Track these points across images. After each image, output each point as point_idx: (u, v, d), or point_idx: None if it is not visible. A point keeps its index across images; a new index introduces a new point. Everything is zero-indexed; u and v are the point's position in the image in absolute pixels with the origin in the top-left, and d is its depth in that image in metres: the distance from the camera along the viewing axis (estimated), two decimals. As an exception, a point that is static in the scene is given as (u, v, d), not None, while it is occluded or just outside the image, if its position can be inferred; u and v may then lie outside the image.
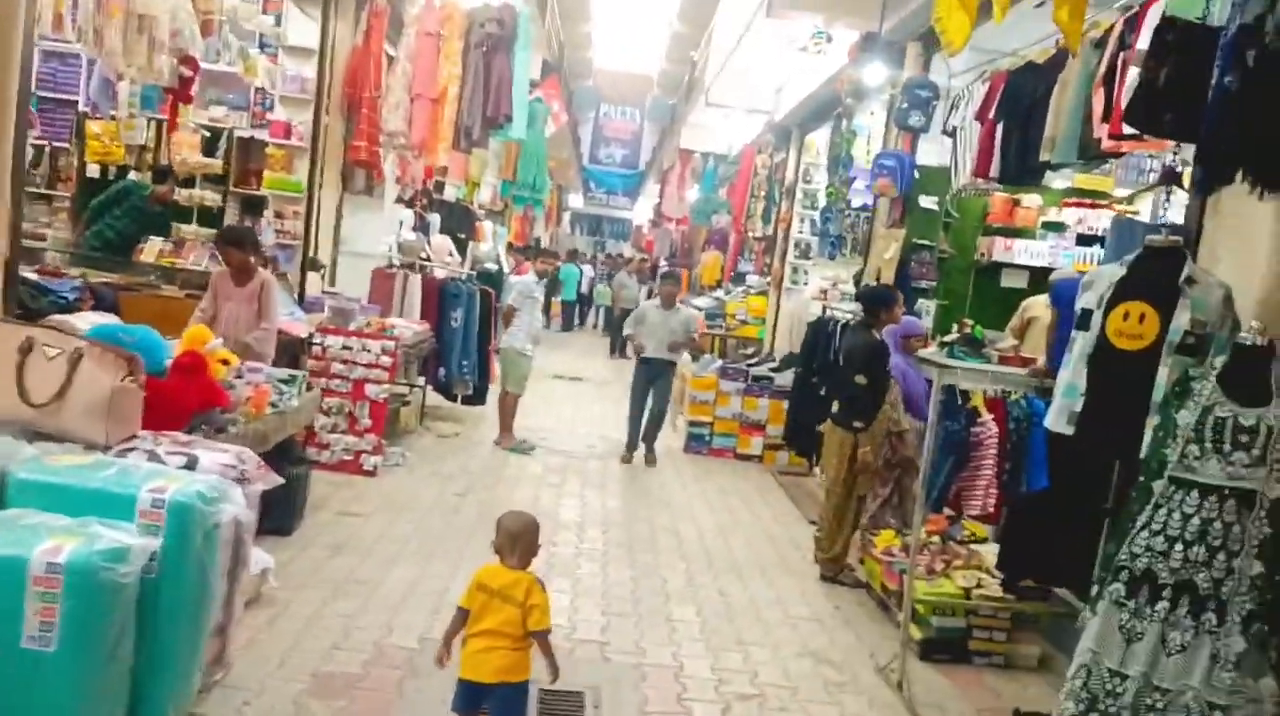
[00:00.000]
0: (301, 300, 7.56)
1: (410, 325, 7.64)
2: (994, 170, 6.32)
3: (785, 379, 8.46)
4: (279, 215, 7.58)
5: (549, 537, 5.45)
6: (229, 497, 2.95)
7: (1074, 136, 5.14)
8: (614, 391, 11.94)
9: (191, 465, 3.11)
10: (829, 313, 7.83)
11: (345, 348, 6.43)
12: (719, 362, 8.68)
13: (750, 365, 8.60)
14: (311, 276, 7.80)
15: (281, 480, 3.32)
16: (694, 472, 7.76)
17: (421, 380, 8.34)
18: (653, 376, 7.85)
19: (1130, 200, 8.39)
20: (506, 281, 12.41)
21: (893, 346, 5.56)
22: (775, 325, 11.52)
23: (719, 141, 16.81)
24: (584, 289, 20.37)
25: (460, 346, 8.37)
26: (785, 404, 8.30)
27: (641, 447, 7.92)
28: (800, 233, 11.84)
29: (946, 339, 7.01)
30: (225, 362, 3.95)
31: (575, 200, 37.14)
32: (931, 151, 7.87)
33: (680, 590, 4.93)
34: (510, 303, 7.56)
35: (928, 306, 7.81)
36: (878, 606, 4.99)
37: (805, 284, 11.84)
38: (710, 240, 16.29)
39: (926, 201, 7.78)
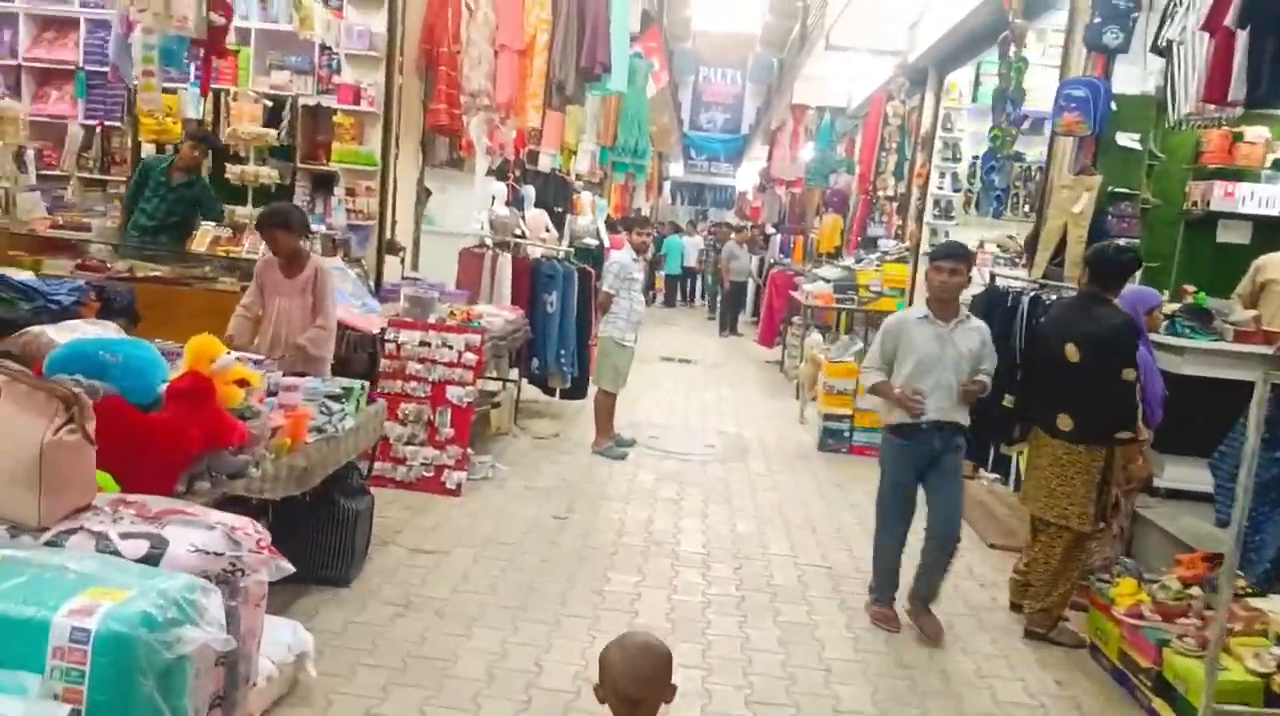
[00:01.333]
0: (378, 288, 6.65)
1: (500, 312, 6.64)
2: (1234, 92, 4.83)
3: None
4: (350, 192, 6.65)
5: (667, 578, 4.34)
6: (199, 614, 1.93)
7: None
8: (728, 374, 10.75)
9: (155, 555, 2.11)
10: (999, 282, 6.42)
11: (423, 344, 5.45)
12: (858, 344, 7.38)
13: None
14: (390, 261, 6.88)
15: (291, 568, 2.29)
16: (834, 478, 6.52)
17: (514, 374, 7.35)
18: (932, 456, 4.10)
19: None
20: (606, 258, 11.40)
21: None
22: (913, 297, 10.07)
23: (837, 93, 15.24)
24: (689, 262, 19.17)
25: (557, 334, 7.34)
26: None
27: (904, 598, 4.24)
28: (940, 188, 10.35)
29: (1165, 311, 5.60)
30: (243, 383, 2.97)
31: (676, 169, 35.91)
32: (1129, 76, 6.35)
33: (846, 660, 3.75)
34: (606, 288, 6.44)
35: (1128, 271, 6.34)
36: (1113, 679, 3.70)
37: (946, 247, 10.35)
38: (827, 202, 14.80)
39: (1126, 139, 6.27)
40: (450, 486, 5.29)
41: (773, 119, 21.34)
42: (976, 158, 9.89)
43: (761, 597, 4.26)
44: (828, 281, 9.52)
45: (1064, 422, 3.96)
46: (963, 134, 10.35)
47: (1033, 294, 5.61)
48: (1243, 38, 4.58)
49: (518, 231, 10.47)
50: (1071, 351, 3.99)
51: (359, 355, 5.49)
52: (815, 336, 8.27)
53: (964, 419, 4.08)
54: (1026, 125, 9.16)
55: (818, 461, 6.98)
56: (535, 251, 8.05)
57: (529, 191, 11.11)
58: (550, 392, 7.70)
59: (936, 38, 9.48)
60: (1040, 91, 8.10)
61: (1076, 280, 6.07)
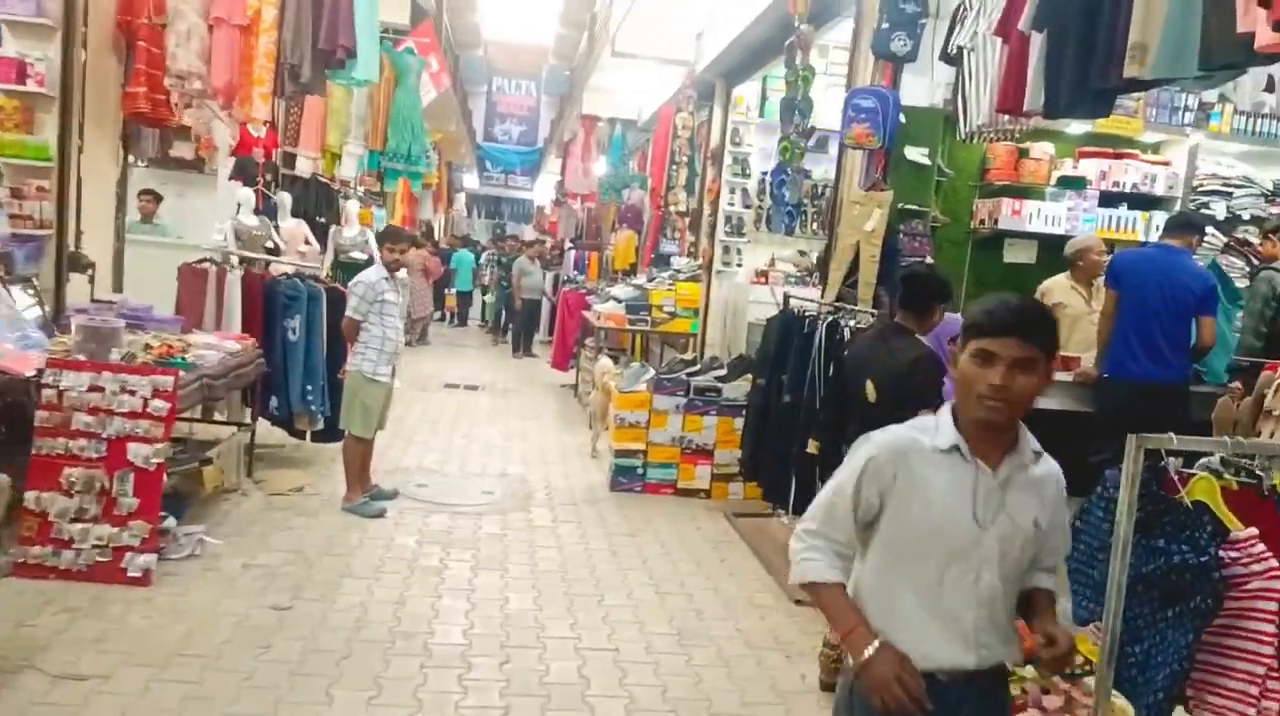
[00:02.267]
0: (58, 315, 5.29)
1: (222, 343, 5.44)
2: (1030, 101, 4.54)
3: (737, 390, 6.56)
4: (16, 193, 5.22)
5: (411, 690, 3.40)
6: None
7: (1188, 34, 3.39)
8: (518, 403, 9.86)
9: None
10: (795, 305, 5.94)
11: (95, 389, 4.21)
12: (650, 371, 6.72)
13: (690, 374, 6.67)
14: (76, 280, 5.51)
15: None
16: (627, 525, 5.79)
17: (247, 416, 6.12)
18: None
19: (1158, 149, 6.78)
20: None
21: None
22: (706, 319, 9.63)
23: (626, 105, 14.78)
24: (485, 280, 18.11)
25: (302, 366, 6.19)
26: (739, 424, 6.42)
27: None
28: (731, 205, 9.99)
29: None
30: None
31: (470, 181, 34.74)
32: (917, 88, 6.07)
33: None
34: (351, 312, 5.40)
35: (922, 291, 6.04)
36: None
37: (739, 265, 10.03)
38: (622, 218, 14.28)
39: (915, 154, 5.97)
40: (134, 574, 4.08)
41: (565, 130, 20.72)
42: (766, 173, 9.62)
43: (530, 707, 3.41)
44: (619, 301, 8.88)
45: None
46: (751, 149, 10.05)
47: (829, 319, 5.12)
48: (1039, 41, 4.25)
49: (269, 243, 9.16)
50: (870, 390, 3.42)
51: (8, 404, 4.19)
52: (605, 361, 7.56)
53: (1014, 656, 1.95)
54: (813, 142, 8.90)
55: (609, 505, 6.23)
56: (288, 267, 6.82)
57: (284, 198, 9.80)
58: (299, 436, 6.53)
59: (722, 48, 9.10)
60: (826, 108, 7.82)
61: (870, 302, 5.69)
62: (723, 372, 6.69)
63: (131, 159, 6.28)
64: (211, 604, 4.00)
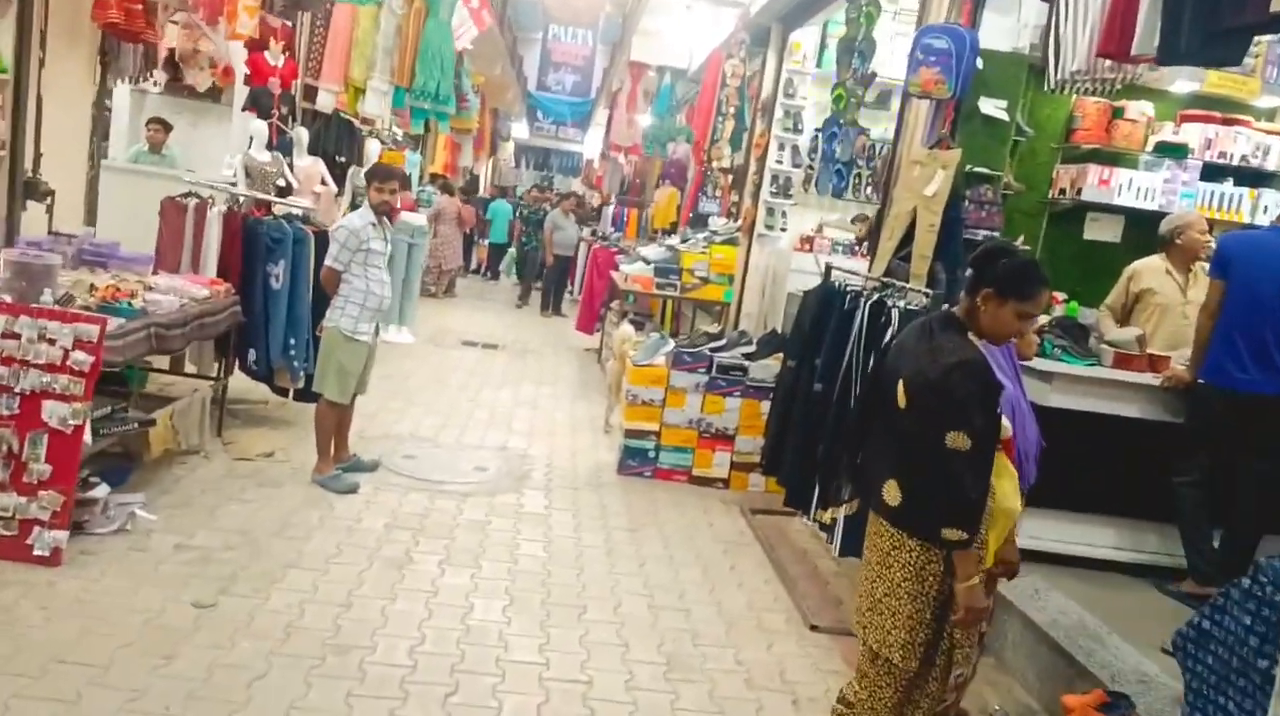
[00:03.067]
0: (9, 243, 4.75)
1: (188, 287, 4.86)
2: (1141, 44, 3.74)
3: (765, 370, 5.84)
4: (-36, 109, 4.66)
5: (334, 709, 2.79)
6: None
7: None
8: (536, 366, 9.23)
9: None
10: (836, 277, 5.19)
11: (10, 336, 3.64)
12: (669, 343, 6.01)
13: (715, 349, 5.95)
14: (33, 209, 4.95)
15: None
16: (629, 518, 5.14)
17: (216, 370, 5.54)
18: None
19: (1274, 117, 5.83)
20: (399, 223, 9.61)
21: (999, 356, 2.95)
22: (744, 285, 8.87)
23: (677, 52, 13.90)
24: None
25: (284, 317, 5.60)
26: (766, 408, 5.71)
27: None
28: (779, 163, 9.16)
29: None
30: None
31: (520, 130, 34.03)
32: (999, 29, 5.24)
33: None
34: (331, 261, 4.77)
35: (986, 270, 5.26)
36: None
37: (783, 230, 9.23)
38: (666, 174, 13.49)
39: (990, 107, 5.15)
40: (40, 552, 3.54)
41: (613, 80, 19.84)
42: (819, 129, 8.78)
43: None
44: (648, 262, 8.16)
45: (891, 493, 2.65)
46: (806, 102, 9.18)
47: (874, 297, 4.36)
48: (1159, -30, 3.43)
49: (280, 181, 8.59)
50: (900, 393, 2.69)
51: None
52: (626, 328, 6.86)
53: None
54: (874, 96, 8.05)
55: (613, 491, 5.58)
56: (300, 207, 6.18)
57: (300, 134, 9.17)
58: (282, 393, 5.97)
59: (779, -14, 8.22)
60: (891, 60, 6.96)
61: (924, 278, 4.92)
62: (751, 349, 5.96)
63: (115, 79, 5.66)
64: (123, 594, 3.44)
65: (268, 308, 5.56)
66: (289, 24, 8.99)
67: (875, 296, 4.32)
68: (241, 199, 5.74)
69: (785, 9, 8.73)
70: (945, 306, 3.04)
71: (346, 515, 4.56)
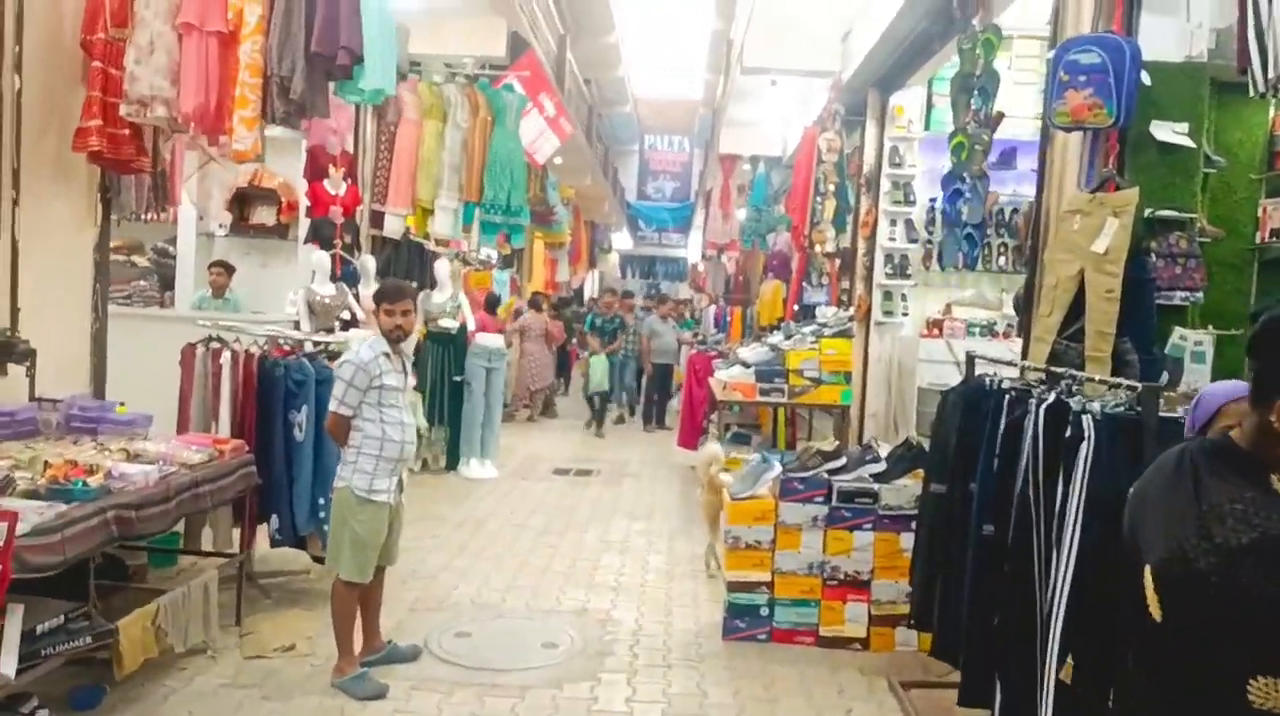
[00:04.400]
0: (-16, 417, 4.06)
1: (181, 451, 4.04)
2: None
3: (901, 493, 4.56)
4: (-67, 265, 4.08)
5: None
6: None
7: None
8: (632, 493, 8.10)
9: None
10: (983, 372, 3.94)
11: (-101, 544, 2.82)
12: (774, 467, 4.81)
13: (834, 470, 4.71)
14: (14, 373, 4.28)
15: None
16: (736, 704, 3.89)
17: (235, 541, 4.67)
18: None
19: None
20: (470, 344, 8.88)
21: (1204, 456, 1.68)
22: (865, 382, 7.63)
23: (768, 139, 13.09)
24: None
25: (311, 472, 4.73)
26: (907, 542, 4.42)
27: None
28: (892, 240, 8.04)
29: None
30: None
31: (622, 241, 34.04)
32: (1162, 33, 4.04)
33: None
34: (336, 406, 3.86)
35: (1195, 341, 3.95)
36: None
37: (905, 315, 8.02)
38: (769, 267, 12.50)
39: (1166, 131, 3.91)
40: None
41: (708, 178, 19.25)
42: (934, 200, 7.65)
43: None
44: (747, 365, 7.04)
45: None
46: (915, 170, 8.08)
47: (1047, 398, 3.09)
48: None
49: (344, 313, 8.00)
50: (1149, 586, 1.45)
51: None
52: (713, 448, 5.68)
53: None
54: (994, 156, 6.84)
55: (718, 665, 4.34)
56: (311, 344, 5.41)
57: (366, 262, 8.62)
58: (321, 561, 5.06)
59: (872, 43, 7.24)
60: (1011, 112, 5.79)
61: (1106, 362, 3.66)
62: (879, 467, 4.71)
63: (116, 217, 5.10)
64: None
65: (291, 464, 4.71)
66: (349, 151, 8.57)
67: (1049, 398, 3.05)
68: (263, 340, 4.98)
69: (881, 71, 7.74)
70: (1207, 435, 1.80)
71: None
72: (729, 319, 13.91)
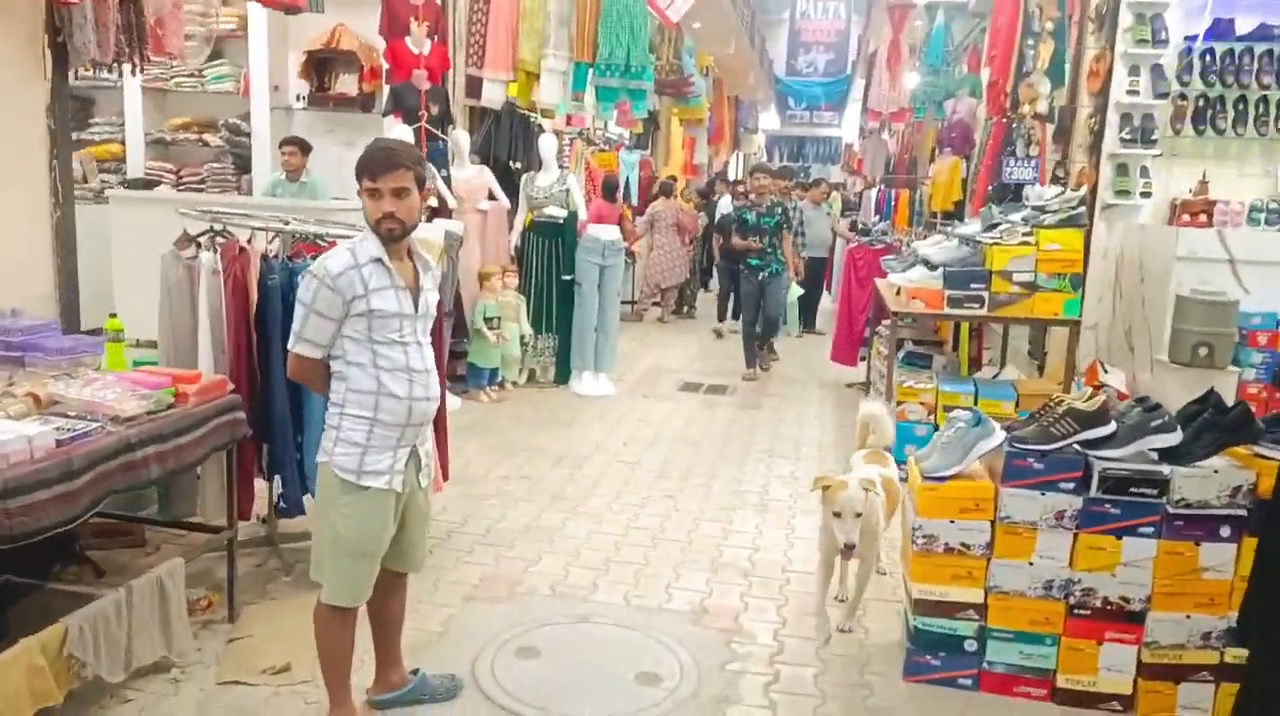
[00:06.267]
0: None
1: (113, 401, 2.80)
2: None
3: (1211, 483, 2.83)
4: None
5: None
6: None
7: None
8: (773, 422, 6.53)
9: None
10: None
11: None
12: (994, 431, 3.13)
13: (1093, 441, 3.00)
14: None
15: None
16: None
17: (220, 521, 3.45)
18: None
19: None
20: (581, 235, 7.39)
21: None
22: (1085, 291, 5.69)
23: (951, -20, 10.69)
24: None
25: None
26: (1208, 554, 2.72)
27: None
28: (1132, 94, 5.97)
29: None
30: None
31: (769, 121, 31.51)
32: None
33: None
34: (294, 343, 2.46)
35: None
36: None
37: (1144, 195, 6.01)
38: (944, 140, 10.33)
39: None
40: None
41: (870, 40, 16.68)
42: (1191, 38, 5.61)
43: None
44: (933, 265, 5.26)
45: None
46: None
47: None
48: None
49: (431, 202, 6.70)
50: None
51: None
52: (873, 406, 3.95)
53: None
54: None
55: (897, 707, 2.86)
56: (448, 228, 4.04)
57: (459, 139, 7.25)
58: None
59: None
60: None
61: None
62: (1172, 438, 2.95)
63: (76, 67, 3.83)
64: None
65: (301, 407, 3.43)
66: (435, 1, 7.05)
67: None
68: (273, 235, 3.65)
69: None
70: None
71: None
72: (893, 203, 11.83)
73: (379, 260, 2.47)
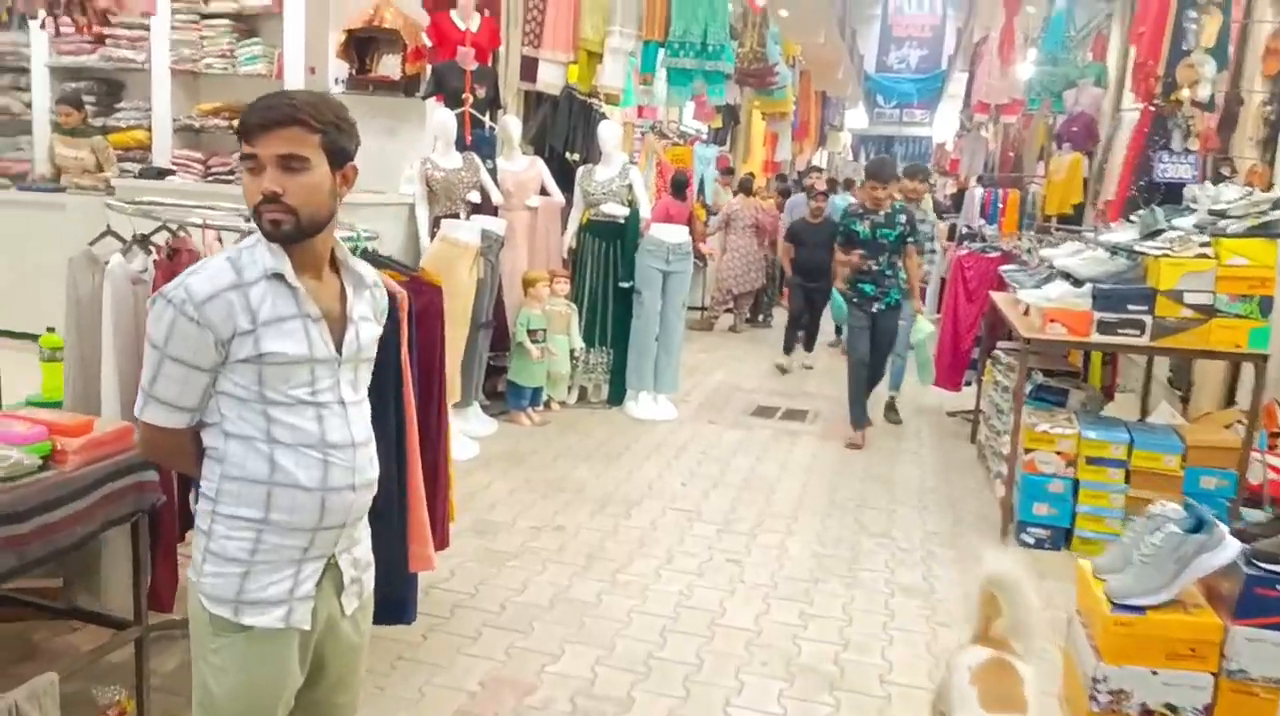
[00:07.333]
0: None
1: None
2: None
3: None
4: None
5: None
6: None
7: None
8: (865, 464, 5.50)
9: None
10: None
11: None
12: (1224, 536, 2.10)
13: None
14: None
15: None
16: None
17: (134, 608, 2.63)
18: None
19: None
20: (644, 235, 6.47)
21: None
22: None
23: (1075, -45, 9.44)
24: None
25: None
26: None
27: None
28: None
29: None
30: None
31: (856, 119, 30.22)
32: None
33: None
34: (140, 410, 1.58)
35: None
36: None
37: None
38: (1061, 135, 9.10)
39: None
40: None
41: (976, 26, 15.36)
42: None
43: None
44: (1079, 281, 4.19)
45: None
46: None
47: None
48: None
49: (472, 195, 5.93)
50: None
51: None
52: (1002, 566, 1.87)
53: None
54: None
55: None
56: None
57: (509, 125, 6.42)
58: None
59: None
60: None
61: None
62: None
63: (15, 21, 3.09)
64: None
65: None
66: (485, -34, 6.24)
67: None
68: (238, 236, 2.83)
69: None
70: None
71: None
72: (1000, 205, 10.60)
73: (277, 276, 1.58)
